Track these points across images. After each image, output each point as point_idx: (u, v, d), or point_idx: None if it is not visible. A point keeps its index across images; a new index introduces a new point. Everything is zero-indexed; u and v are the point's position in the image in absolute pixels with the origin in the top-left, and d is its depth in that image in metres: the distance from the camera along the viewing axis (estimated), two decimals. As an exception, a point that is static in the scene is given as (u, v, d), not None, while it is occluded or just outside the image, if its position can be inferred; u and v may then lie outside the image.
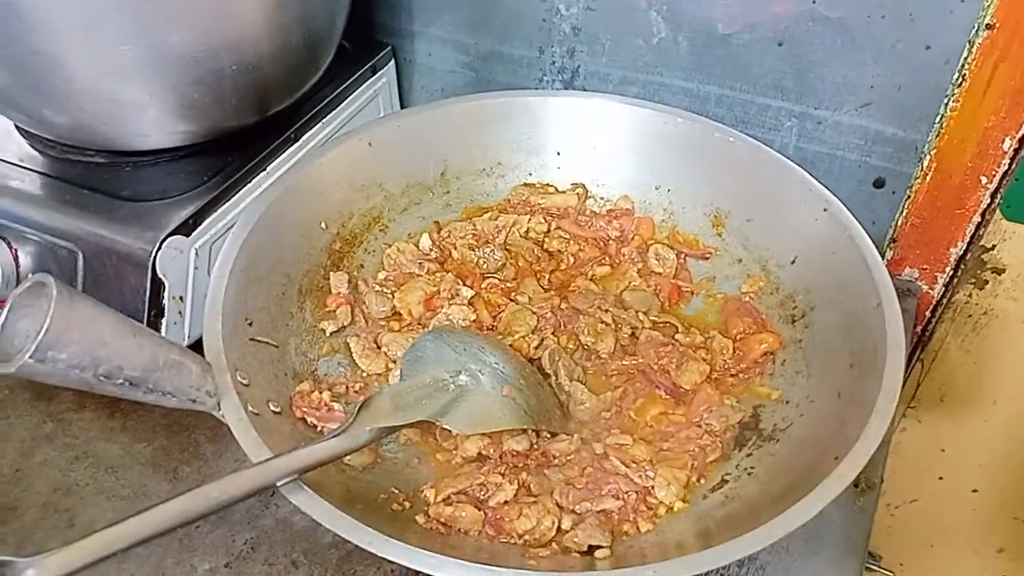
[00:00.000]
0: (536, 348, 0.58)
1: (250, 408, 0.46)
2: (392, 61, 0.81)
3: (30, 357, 0.37)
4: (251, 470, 0.41)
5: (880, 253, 0.72)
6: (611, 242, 0.67)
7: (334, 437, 0.45)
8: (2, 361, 0.38)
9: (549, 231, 0.67)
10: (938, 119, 0.66)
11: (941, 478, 0.90)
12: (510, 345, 0.58)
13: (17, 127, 0.68)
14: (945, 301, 0.76)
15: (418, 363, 0.53)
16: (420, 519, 0.48)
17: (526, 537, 0.47)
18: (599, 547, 0.47)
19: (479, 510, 0.48)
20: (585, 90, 0.77)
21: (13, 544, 0.54)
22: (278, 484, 0.42)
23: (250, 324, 0.52)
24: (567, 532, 0.47)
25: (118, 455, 0.60)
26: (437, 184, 0.68)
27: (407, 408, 0.49)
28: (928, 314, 0.77)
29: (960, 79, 0.63)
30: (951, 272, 0.73)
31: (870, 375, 0.47)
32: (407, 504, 0.49)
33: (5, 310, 0.39)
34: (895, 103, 0.68)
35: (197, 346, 0.49)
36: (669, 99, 0.74)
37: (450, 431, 0.51)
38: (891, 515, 0.94)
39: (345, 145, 0.63)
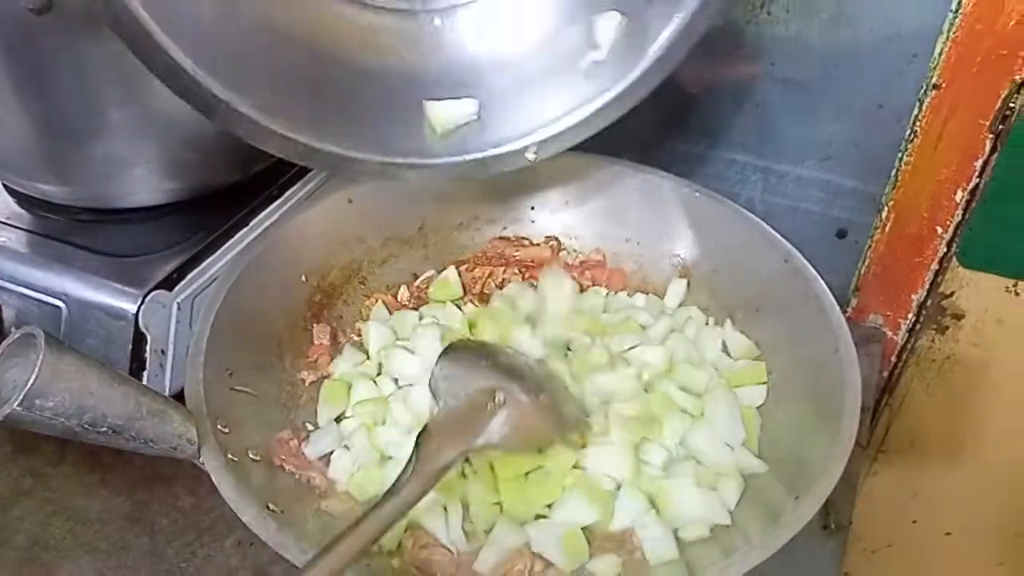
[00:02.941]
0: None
1: (230, 456, 0.47)
2: (371, 117, 0.83)
3: (18, 405, 0.38)
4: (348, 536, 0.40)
5: (845, 301, 0.75)
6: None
7: (407, 482, 0.43)
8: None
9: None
10: (894, 173, 0.69)
11: (915, 521, 0.91)
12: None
13: (4, 185, 0.69)
14: (909, 346, 0.78)
15: (451, 382, 0.52)
16: (395, 563, 0.48)
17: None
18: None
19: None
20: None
21: (-12, 600, 0.55)
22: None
23: (230, 374, 0.53)
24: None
25: (97, 509, 0.60)
26: (415, 238, 0.70)
27: (461, 435, 0.47)
28: (894, 359, 0.79)
29: (912, 135, 0.66)
30: (913, 318, 0.76)
31: (830, 418, 0.49)
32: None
33: (-7, 362, 0.40)
34: (853, 158, 0.71)
35: (178, 398, 0.49)
36: (638, 154, 0.77)
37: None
38: (867, 560, 0.95)
39: (326, 201, 0.65)
